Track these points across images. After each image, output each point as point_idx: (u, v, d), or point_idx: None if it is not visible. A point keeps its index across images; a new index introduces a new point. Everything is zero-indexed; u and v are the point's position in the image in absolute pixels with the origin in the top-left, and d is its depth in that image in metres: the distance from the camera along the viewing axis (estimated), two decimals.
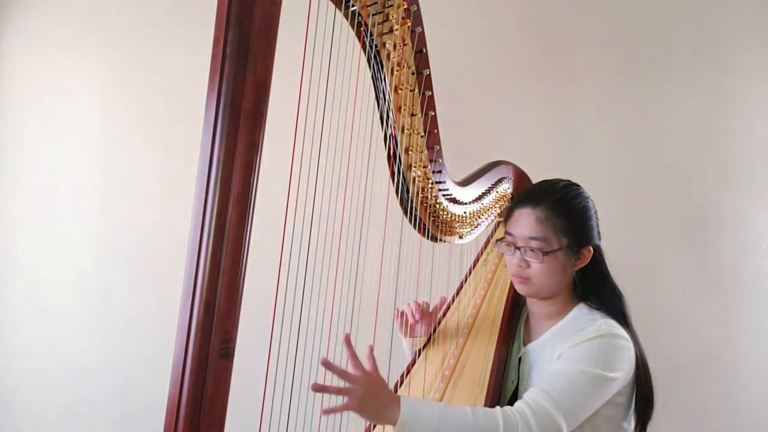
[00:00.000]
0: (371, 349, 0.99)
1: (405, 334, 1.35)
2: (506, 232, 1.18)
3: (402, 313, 1.33)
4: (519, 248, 1.14)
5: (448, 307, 1.42)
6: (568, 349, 1.06)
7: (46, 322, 2.20)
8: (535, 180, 1.50)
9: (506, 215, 1.23)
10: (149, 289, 2.14)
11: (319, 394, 0.88)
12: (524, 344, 1.23)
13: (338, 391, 0.91)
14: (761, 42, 1.92)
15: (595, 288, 1.18)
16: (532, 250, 1.12)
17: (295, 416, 0.90)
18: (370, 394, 0.92)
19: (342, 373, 0.91)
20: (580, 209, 1.16)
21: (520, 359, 1.20)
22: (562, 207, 1.13)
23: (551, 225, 1.11)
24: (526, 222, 1.13)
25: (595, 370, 1.01)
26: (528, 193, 1.21)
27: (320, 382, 0.89)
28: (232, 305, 0.69)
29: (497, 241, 1.20)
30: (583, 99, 2.01)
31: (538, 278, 1.13)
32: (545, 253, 1.11)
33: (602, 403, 1.03)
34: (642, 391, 1.11)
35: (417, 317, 1.32)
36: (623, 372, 1.05)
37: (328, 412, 0.90)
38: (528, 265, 1.13)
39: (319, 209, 0.87)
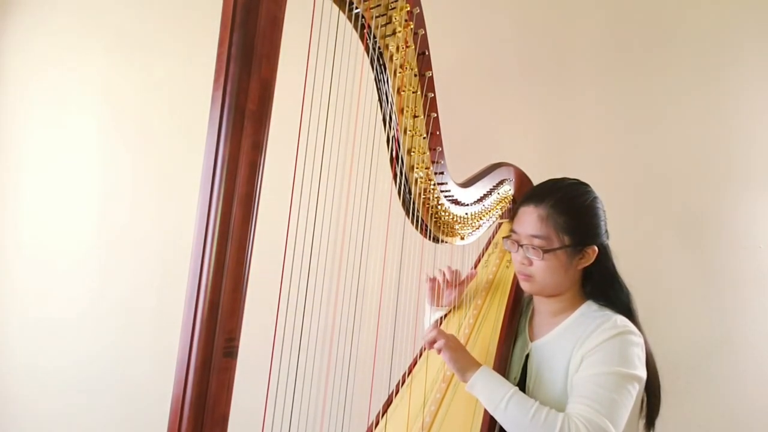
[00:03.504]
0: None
1: (432, 302, 1.40)
2: (511, 230, 1.20)
3: (434, 279, 1.39)
4: (522, 246, 1.16)
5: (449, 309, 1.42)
6: (590, 352, 1.06)
7: (49, 322, 2.20)
8: (536, 181, 1.51)
9: (513, 213, 1.25)
10: (153, 289, 2.15)
11: (321, 394, 0.88)
12: (530, 341, 1.23)
13: (435, 334, 1.10)
14: (761, 42, 1.92)
15: (601, 286, 1.19)
16: (533, 248, 1.13)
17: (298, 415, 0.90)
18: (458, 346, 1.12)
19: (436, 330, 1.11)
20: (583, 208, 1.16)
21: (527, 356, 1.20)
22: (564, 205, 1.14)
23: (552, 223, 1.12)
24: (529, 220, 1.15)
25: (624, 370, 1.03)
26: (533, 191, 1.22)
27: (322, 382, 0.89)
28: (236, 304, 0.69)
29: (503, 238, 1.22)
30: (583, 100, 2.02)
31: (540, 276, 1.15)
32: (545, 251, 1.12)
33: (634, 401, 1.05)
34: (650, 387, 1.12)
35: (450, 284, 1.38)
36: (644, 368, 1.08)
37: (430, 347, 1.11)
38: (530, 263, 1.15)
39: (322, 209, 0.88)
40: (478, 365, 1.08)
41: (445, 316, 1.39)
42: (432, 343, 1.10)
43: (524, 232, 1.16)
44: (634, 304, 1.19)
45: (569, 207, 1.14)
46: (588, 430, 0.96)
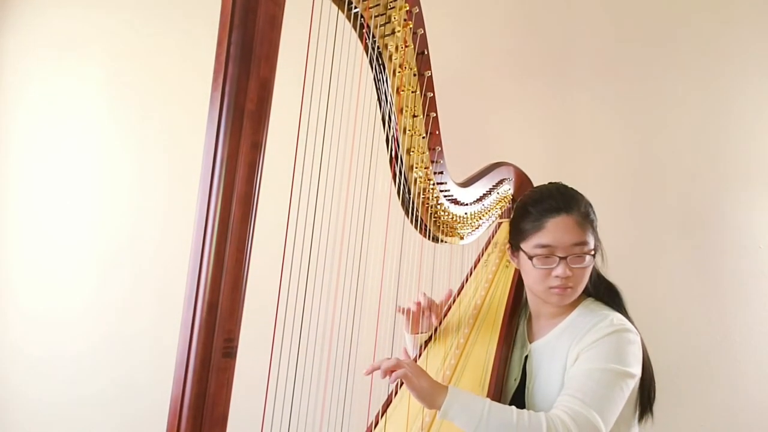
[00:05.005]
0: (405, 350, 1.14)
1: (410, 331, 1.35)
2: (540, 245, 1.12)
3: (408, 310, 1.32)
4: (563, 258, 1.10)
5: (449, 308, 1.42)
6: (586, 348, 1.07)
7: (49, 321, 2.20)
8: (536, 181, 1.51)
9: (527, 228, 1.16)
10: (152, 289, 2.15)
11: (321, 393, 0.88)
12: (529, 342, 1.23)
13: (395, 362, 0.98)
14: (761, 42, 1.92)
15: (596, 283, 1.20)
16: (578, 256, 1.11)
17: (297, 415, 0.90)
18: (422, 372, 1.00)
19: (395, 359, 1.00)
20: (593, 210, 1.17)
21: (526, 357, 1.20)
22: (588, 208, 1.15)
23: (588, 227, 1.13)
24: (567, 229, 1.11)
25: (618, 367, 1.02)
26: (552, 201, 1.15)
27: (323, 382, 0.89)
28: (235, 304, 0.69)
29: (530, 258, 1.13)
30: (583, 100, 2.02)
31: (581, 283, 1.14)
32: (592, 256, 1.12)
33: (626, 398, 1.04)
34: (645, 383, 1.12)
35: (425, 312, 1.32)
36: (639, 366, 1.08)
37: (392, 380, 0.98)
38: (573, 273, 1.11)
39: (321, 209, 0.88)
40: (444, 389, 0.99)
41: (430, 338, 1.35)
42: (390, 371, 0.98)
43: (563, 243, 1.10)
44: (623, 300, 1.20)
45: (590, 209, 1.16)
46: (575, 422, 0.95)
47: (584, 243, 1.11)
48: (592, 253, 1.12)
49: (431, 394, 0.98)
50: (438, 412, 0.98)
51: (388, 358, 1.00)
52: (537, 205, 1.16)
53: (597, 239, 1.15)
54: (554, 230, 1.11)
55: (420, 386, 0.98)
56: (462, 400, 0.98)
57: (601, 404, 0.98)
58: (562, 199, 1.14)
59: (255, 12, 0.67)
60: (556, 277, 1.11)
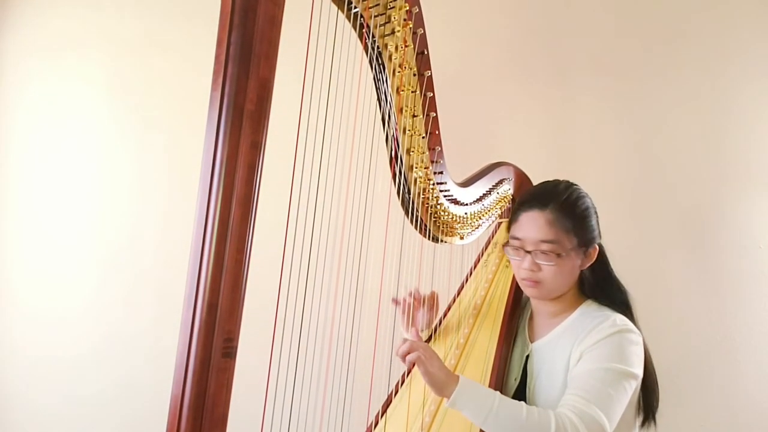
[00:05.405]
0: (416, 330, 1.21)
1: (407, 327, 1.33)
2: (512, 237, 1.17)
3: (402, 301, 1.31)
4: (529, 252, 1.13)
5: (449, 308, 1.42)
6: (589, 348, 1.07)
7: (49, 321, 2.20)
8: (535, 181, 1.51)
9: (510, 219, 1.22)
10: (152, 289, 2.15)
11: (321, 394, 0.88)
12: (530, 342, 1.23)
13: (408, 346, 1.00)
14: (760, 42, 1.92)
15: (601, 285, 1.19)
16: (544, 253, 1.11)
17: (297, 415, 0.90)
18: (435, 357, 1.02)
19: (409, 342, 1.02)
20: (584, 209, 1.16)
21: (527, 357, 1.20)
22: (569, 208, 1.14)
23: (561, 226, 1.12)
24: (536, 225, 1.13)
25: (621, 367, 1.03)
26: (532, 196, 1.19)
27: (322, 383, 0.89)
28: (235, 304, 0.69)
29: (503, 246, 1.19)
30: (583, 100, 2.02)
31: (549, 281, 1.13)
32: (558, 255, 1.11)
33: (629, 398, 1.04)
34: (647, 385, 1.12)
35: (416, 304, 1.31)
36: (641, 367, 1.08)
37: (404, 360, 1.01)
38: (539, 269, 1.13)
39: (321, 210, 0.88)
40: (455, 378, 0.99)
41: (430, 338, 1.35)
42: (405, 355, 1.01)
43: (531, 238, 1.13)
44: (632, 301, 1.19)
45: (574, 209, 1.14)
46: (581, 420, 0.95)
47: (552, 241, 1.11)
48: (559, 252, 1.11)
49: (442, 380, 0.99)
50: (446, 400, 0.99)
51: (405, 340, 1.03)
52: (524, 198, 1.20)
53: (583, 240, 1.14)
54: (524, 223, 1.15)
55: (432, 371, 0.99)
56: (472, 391, 0.98)
57: (605, 403, 0.99)
58: (539, 196, 1.17)
59: (254, 12, 0.67)
60: (525, 269, 1.14)
